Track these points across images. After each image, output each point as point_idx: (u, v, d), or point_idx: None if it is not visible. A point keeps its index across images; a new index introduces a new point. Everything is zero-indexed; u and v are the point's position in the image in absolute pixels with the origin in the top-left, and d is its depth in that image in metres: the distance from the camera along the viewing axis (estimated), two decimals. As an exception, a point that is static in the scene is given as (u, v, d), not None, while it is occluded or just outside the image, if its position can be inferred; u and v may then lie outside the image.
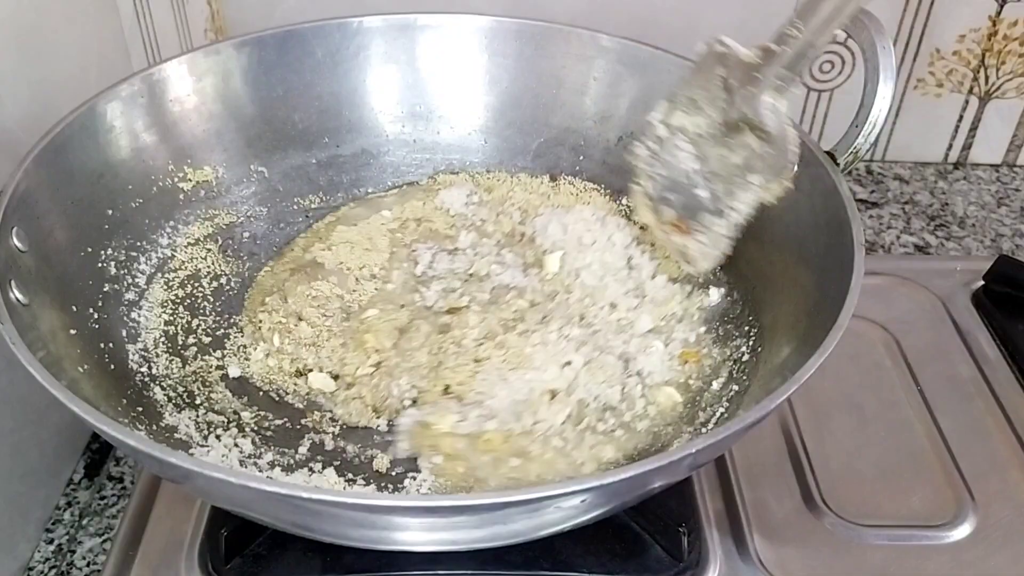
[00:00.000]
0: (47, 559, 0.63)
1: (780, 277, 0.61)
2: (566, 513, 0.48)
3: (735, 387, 0.59)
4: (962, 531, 0.62)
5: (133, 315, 0.63)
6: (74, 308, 0.57)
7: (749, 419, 0.45)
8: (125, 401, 0.56)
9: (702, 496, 0.63)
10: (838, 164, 0.60)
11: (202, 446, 0.57)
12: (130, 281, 0.63)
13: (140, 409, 0.57)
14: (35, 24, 0.68)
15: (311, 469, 0.57)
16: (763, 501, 0.63)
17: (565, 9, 0.80)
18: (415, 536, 0.51)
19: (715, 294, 0.66)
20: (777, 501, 0.63)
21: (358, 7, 0.73)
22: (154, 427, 0.56)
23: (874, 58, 0.58)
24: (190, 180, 0.69)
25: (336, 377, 0.63)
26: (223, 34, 0.90)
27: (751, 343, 0.61)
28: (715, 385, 0.61)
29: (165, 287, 0.66)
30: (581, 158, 0.75)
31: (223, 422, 0.59)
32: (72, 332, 0.56)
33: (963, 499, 0.64)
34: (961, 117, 0.98)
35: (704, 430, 0.58)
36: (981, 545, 0.61)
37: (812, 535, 0.61)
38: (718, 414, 0.58)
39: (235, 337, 0.66)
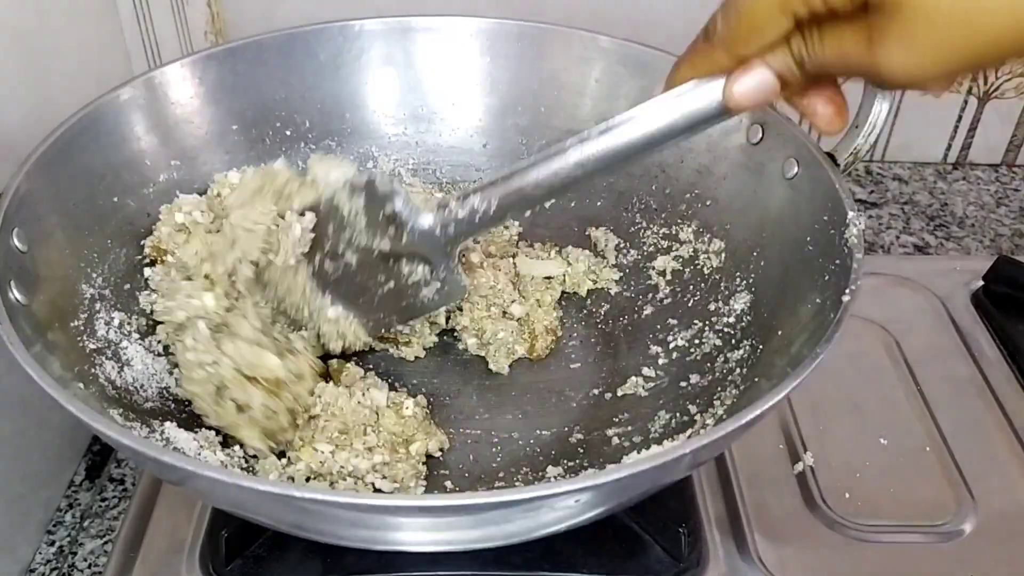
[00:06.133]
0: (48, 561, 0.63)
1: (780, 277, 0.61)
2: (562, 513, 0.48)
3: (733, 385, 0.59)
4: (962, 531, 0.62)
5: (134, 317, 0.63)
6: (75, 310, 0.58)
7: (747, 417, 0.45)
8: (126, 403, 0.56)
9: (702, 496, 0.63)
10: (838, 165, 0.60)
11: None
12: (131, 283, 0.63)
13: (140, 411, 0.57)
14: (36, 27, 0.68)
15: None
16: (763, 501, 0.63)
17: (563, 10, 0.80)
18: (411, 536, 0.50)
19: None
20: (777, 501, 0.63)
21: (357, 10, 0.73)
22: (154, 429, 0.56)
23: None
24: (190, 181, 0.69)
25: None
26: (223, 37, 0.90)
27: (751, 342, 0.61)
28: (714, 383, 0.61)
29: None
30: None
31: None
32: (73, 334, 0.56)
33: (963, 499, 0.64)
34: (960, 117, 0.98)
35: (702, 429, 0.58)
36: (981, 544, 0.61)
37: (812, 535, 0.61)
38: (717, 412, 0.58)
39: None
